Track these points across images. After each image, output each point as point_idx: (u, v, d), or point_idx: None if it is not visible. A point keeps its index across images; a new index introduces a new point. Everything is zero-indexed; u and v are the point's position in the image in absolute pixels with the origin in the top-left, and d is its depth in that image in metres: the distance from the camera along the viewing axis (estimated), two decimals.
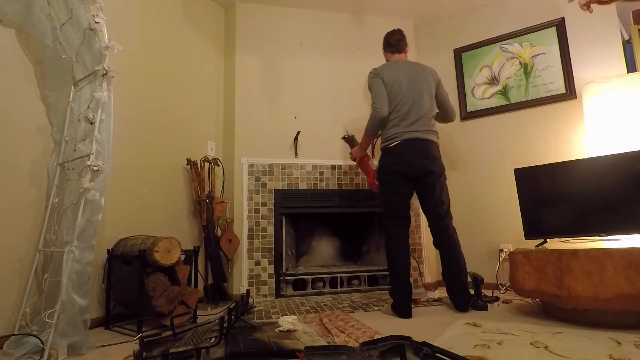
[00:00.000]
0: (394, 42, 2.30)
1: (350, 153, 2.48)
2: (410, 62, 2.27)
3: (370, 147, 2.64)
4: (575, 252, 1.64)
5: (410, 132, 2.07)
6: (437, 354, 1.08)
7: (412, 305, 2.03)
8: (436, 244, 2.13)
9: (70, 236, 1.50)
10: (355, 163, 2.54)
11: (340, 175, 2.83)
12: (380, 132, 2.18)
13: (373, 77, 2.17)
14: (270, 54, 2.86)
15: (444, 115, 2.32)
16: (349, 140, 2.57)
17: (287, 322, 1.43)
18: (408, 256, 2.05)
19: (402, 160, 2.06)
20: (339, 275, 2.71)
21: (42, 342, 1.37)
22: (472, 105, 2.93)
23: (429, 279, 2.81)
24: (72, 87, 1.78)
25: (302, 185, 2.75)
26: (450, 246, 2.07)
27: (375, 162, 2.49)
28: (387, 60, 2.34)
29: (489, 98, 2.86)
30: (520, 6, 2.81)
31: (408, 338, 1.18)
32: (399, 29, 2.35)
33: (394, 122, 2.10)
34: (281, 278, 2.61)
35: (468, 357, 1.15)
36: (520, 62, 2.77)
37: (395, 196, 2.07)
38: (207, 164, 2.55)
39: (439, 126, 2.97)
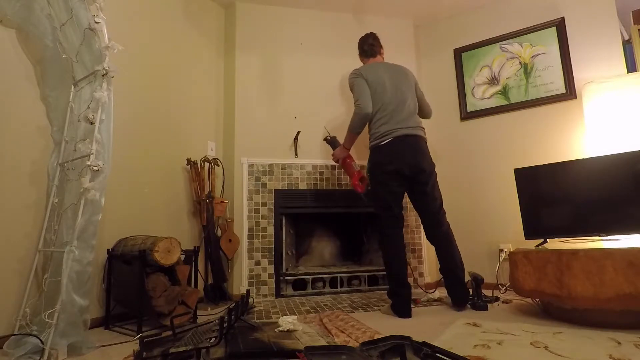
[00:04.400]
0: (367, 48, 2.37)
1: (333, 154, 2.44)
2: (389, 64, 2.30)
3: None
4: (575, 252, 1.64)
5: (401, 129, 2.08)
6: (437, 354, 1.08)
7: (412, 305, 2.03)
8: (431, 240, 2.14)
9: (70, 236, 1.50)
10: (337, 164, 2.49)
11: (340, 175, 2.83)
12: (361, 130, 2.18)
13: (355, 77, 2.19)
14: (270, 54, 2.86)
15: (422, 114, 2.33)
16: (331, 141, 2.52)
17: (287, 322, 1.43)
18: (405, 256, 2.05)
19: (395, 157, 2.05)
20: (339, 275, 2.71)
21: (42, 342, 1.37)
22: (472, 105, 2.93)
23: (428, 279, 2.81)
24: (72, 87, 1.78)
25: (302, 185, 2.75)
26: (445, 242, 2.08)
27: (357, 163, 2.48)
28: (363, 64, 2.37)
29: (489, 98, 2.86)
30: (520, 6, 2.81)
31: (408, 338, 1.18)
32: (371, 33, 2.40)
33: (383, 120, 2.10)
34: (281, 278, 2.61)
35: (468, 357, 1.15)
36: (520, 62, 2.77)
37: (389, 195, 2.07)
38: (207, 164, 2.55)
39: (438, 125, 3.00)
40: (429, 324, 1.77)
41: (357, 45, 2.42)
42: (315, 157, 2.80)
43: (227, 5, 2.91)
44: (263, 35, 2.86)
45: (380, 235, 2.11)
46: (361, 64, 2.38)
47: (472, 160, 2.89)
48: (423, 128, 2.19)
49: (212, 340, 1.15)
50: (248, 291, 1.81)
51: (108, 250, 1.94)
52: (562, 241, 2.10)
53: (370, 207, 2.22)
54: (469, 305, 2.06)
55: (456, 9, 3.03)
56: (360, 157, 2.70)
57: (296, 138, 2.77)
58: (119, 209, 2.06)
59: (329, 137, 2.55)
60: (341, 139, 2.46)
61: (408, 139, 2.08)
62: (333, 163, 2.78)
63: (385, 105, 2.12)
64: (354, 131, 2.19)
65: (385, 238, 2.07)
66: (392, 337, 1.20)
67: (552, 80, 2.63)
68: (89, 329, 1.53)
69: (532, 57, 2.72)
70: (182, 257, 1.90)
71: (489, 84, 2.88)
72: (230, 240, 2.51)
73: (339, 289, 2.68)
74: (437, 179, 2.19)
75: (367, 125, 2.19)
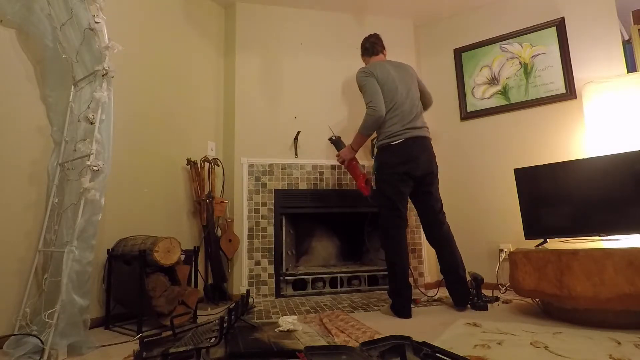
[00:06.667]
0: (369, 46, 2.35)
1: (338, 155, 2.38)
2: (394, 62, 2.29)
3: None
4: (575, 252, 1.64)
5: (412, 130, 2.08)
6: (437, 354, 1.08)
7: (412, 305, 2.03)
8: (431, 240, 2.14)
9: (70, 236, 1.50)
10: (343, 165, 2.43)
11: (340, 175, 2.83)
12: (372, 132, 2.17)
13: (366, 76, 2.14)
14: (270, 54, 2.86)
15: (425, 102, 2.31)
16: (336, 142, 2.47)
17: (287, 322, 1.43)
18: (407, 257, 2.05)
19: (408, 159, 2.04)
20: (339, 275, 2.71)
21: (42, 342, 1.37)
22: (472, 105, 2.93)
23: (428, 279, 2.81)
24: (72, 87, 1.78)
25: (302, 185, 2.75)
26: (446, 242, 2.09)
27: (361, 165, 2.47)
28: (366, 64, 2.34)
29: (489, 98, 2.86)
30: (520, 6, 2.81)
31: (408, 338, 1.18)
32: (374, 33, 2.39)
33: (394, 120, 2.09)
34: (281, 278, 2.61)
35: (468, 357, 1.15)
36: (520, 62, 2.77)
37: (395, 196, 2.06)
38: (207, 164, 2.55)
39: (438, 125, 3.00)
40: (429, 324, 1.77)
41: (360, 46, 2.40)
42: (315, 157, 2.80)
43: (227, 5, 2.91)
44: (263, 36, 2.86)
45: (383, 236, 2.10)
46: (363, 65, 2.36)
47: (472, 160, 2.89)
48: (428, 128, 2.19)
49: (212, 340, 1.15)
50: (248, 291, 1.81)
51: (108, 250, 1.94)
52: (562, 241, 2.10)
53: (371, 207, 2.21)
54: (469, 305, 2.06)
55: (456, 9, 3.03)
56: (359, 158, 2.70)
57: (296, 138, 2.76)
58: (119, 209, 2.06)
59: (333, 137, 2.51)
60: (344, 139, 2.45)
61: (419, 141, 2.09)
62: (333, 163, 2.78)
63: (397, 105, 2.11)
64: (365, 133, 2.15)
65: (389, 238, 2.06)
66: (392, 337, 1.20)
67: (552, 80, 2.63)
68: (89, 329, 1.53)
69: (532, 57, 2.72)
70: (182, 257, 1.90)
71: (489, 84, 2.88)
72: (230, 240, 2.51)
73: (339, 289, 2.68)
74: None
75: None
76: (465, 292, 2.04)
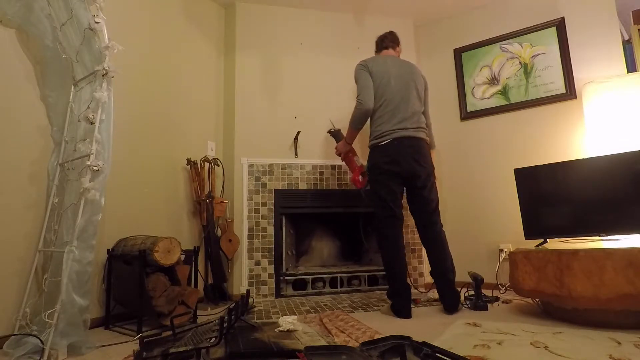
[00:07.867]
0: (378, 41, 2.37)
1: (336, 147, 2.44)
2: (400, 59, 2.26)
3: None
4: (575, 252, 1.64)
5: (401, 130, 2.04)
6: (437, 354, 1.08)
7: (412, 305, 2.02)
8: (424, 240, 2.12)
9: (70, 236, 1.50)
10: (340, 158, 2.50)
11: (340, 175, 2.83)
12: (362, 126, 2.16)
13: (360, 69, 2.15)
14: (270, 54, 2.86)
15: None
16: (335, 134, 2.53)
17: (287, 322, 1.43)
18: (404, 256, 2.04)
19: (393, 160, 2.03)
20: (339, 275, 2.71)
21: (42, 342, 1.37)
22: (472, 105, 2.93)
23: (428, 279, 2.80)
24: (72, 87, 1.78)
25: (302, 185, 2.75)
26: (437, 243, 2.06)
27: (360, 158, 2.48)
28: None
29: (489, 98, 2.86)
30: (520, 6, 2.81)
31: (408, 338, 1.18)
32: (390, 31, 2.38)
33: (383, 119, 2.07)
34: (281, 278, 2.61)
35: (468, 357, 1.15)
36: (520, 62, 2.77)
37: (388, 196, 2.05)
38: (207, 164, 2.55)
39: (438, 125, 2.99)
40: (429, 324, 1.77)
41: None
42: (315, 157, 2.80)
43: (227, 5, 2.91)
44: (263, 35, 2.86)
45: (379, 236, 2.10)
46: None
47: (472, 160, 2.89)
48: (424, 129, 2.15)
49: (212, 340, 1.14)
50: (248, 291, 1.81)
51: (108, 250, 1.94)
52: (562, 241, 2.10)
53: (370, 206, 2.21)
54: (468, 305, 2.06)
55: (456, 9, 3.03)
56: (363, 157, 2.70)
57: (296, 138, 2.76)
58: (119, 209, 2.06)
59: (332, 130, 2.55)
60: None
61: (406, 142, 2.04)
62: (333, 163, 2.79)
63: (388, 101, 2.08)
64: (354, 127, 2.16)
65: (384, 239, 2.05)
66: (392, 337, 1.20)
67: (552, 80, 2.63)
68: (89, 329, 1.53)
69: (532, 57, 2.72)
70: (182, 257, 1.90)
71: (489, 84, 2.88)
72: (230, 240, 2.51)
73: (339, 289, 2.68)
74: (437, 179, 2.19)
75: (368, 121, 2.16)
76: (454, 299, 1.98)
